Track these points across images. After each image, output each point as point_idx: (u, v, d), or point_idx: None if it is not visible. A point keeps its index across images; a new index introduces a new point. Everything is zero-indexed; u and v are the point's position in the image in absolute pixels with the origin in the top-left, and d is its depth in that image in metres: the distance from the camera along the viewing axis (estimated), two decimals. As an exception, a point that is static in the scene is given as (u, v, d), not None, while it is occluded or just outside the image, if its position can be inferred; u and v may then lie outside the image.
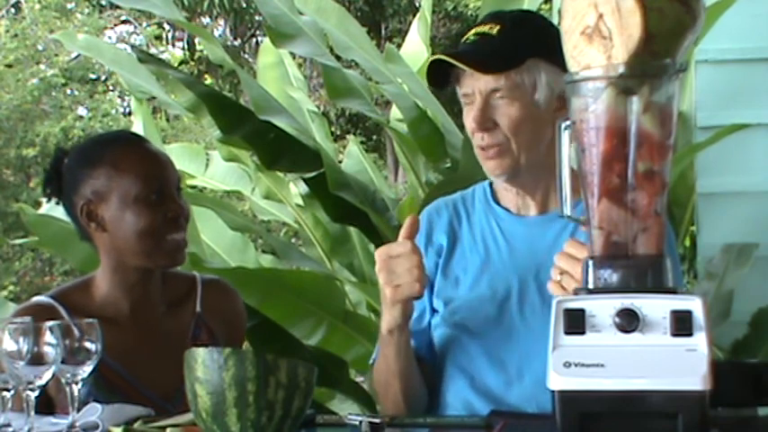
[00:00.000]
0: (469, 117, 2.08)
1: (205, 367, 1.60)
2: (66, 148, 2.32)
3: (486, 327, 2.08)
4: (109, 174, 2.17)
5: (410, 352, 2.08)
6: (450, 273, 2.15)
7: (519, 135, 2.05)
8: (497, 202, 2.17)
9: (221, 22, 15.56)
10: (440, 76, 2.11)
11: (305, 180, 4.07)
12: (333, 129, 9.75)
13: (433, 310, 2.16)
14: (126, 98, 13.63)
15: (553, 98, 2.05)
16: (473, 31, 2.10)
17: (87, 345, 1.73)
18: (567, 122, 1.65)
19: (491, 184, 2.20)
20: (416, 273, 1.94)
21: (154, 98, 4.79)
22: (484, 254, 2.14)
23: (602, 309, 1.52)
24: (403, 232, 1.96)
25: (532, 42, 2.06)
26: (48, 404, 2.08)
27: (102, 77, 14.27)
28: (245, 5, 14.56)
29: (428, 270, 2.15)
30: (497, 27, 2.07)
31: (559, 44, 2.00)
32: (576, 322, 1.53)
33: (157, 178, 2.18)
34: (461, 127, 2.17)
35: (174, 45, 15.74)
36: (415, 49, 4.91)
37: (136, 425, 1.84)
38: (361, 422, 1.77)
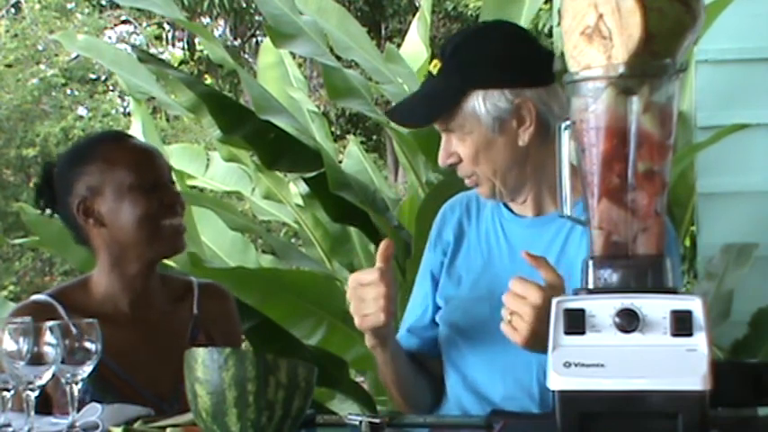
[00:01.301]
0: None
1: (205, 367, 1.60)
2: (51, 160, 2.35)
3: (479, 326, 2.09)
4: (101, 168, 2.19)
5: (399, 363, 2.12)
6: (454, 271, 2.17)
7: (481, 166, 2.06)
8: (504, 203, 2.18)
9: (221, 22, 15.56)
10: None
11: (305, 180, 4.06)
12: (333, 129, 9.74)
13: (438, 308, 2.18)
14: (126, 98, 13.61)
15: (507, 118, 2.03)
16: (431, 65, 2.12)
17: (87, 344, 1.73)
18: (567, 122, 1.65)
19: None
20: (382, 303, 1.95)
21: (154, 98, 4.79)
22: (486, 253, 2.15)
23: (602, 309, 1.52)
24: (377, 258, 1.98)
25: (464, 78, 2.04)
26: (45, 403, 2.07)
27: (102, 77, 14.26)
28: (245, 5, 14.56)
29: (434, 267, 2.17)
30: (439, 65, 2.08)
31: (500, 65, 2.02)
32: (575, 322, 1.53)
33: (150, 168, 2.21)
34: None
35: (174, 45, 15.74)
36: (415, 49, 4.90)
37: (136, 425, 1.84)
38: (361, 422, 1.77)
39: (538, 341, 1.72)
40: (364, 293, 1.97)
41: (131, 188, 2.17)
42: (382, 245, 1.99)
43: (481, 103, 2.02)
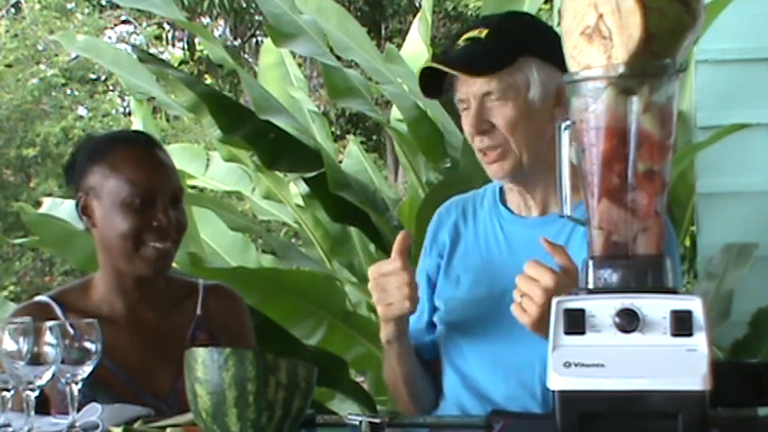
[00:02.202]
0: (467, 122, 2.09)
1: (205, 367, 1.60)
2: (94, 134, 2.28)
3: (479, 326, 2.10)
4: (104, 172, 2.16)
5: (412, 358, 2.12)
6: (452, 272, 2.17)
7: (517, 134, 2.04)
8: (504, 203, 2.18)
9: (221, 22, 15.56)
10: (433, 85, 2.11)
11: (305, 180, 4.07)
12: (333, 129, 9.73)
13: (436, 309, 2.18)
14: (126, 98, 13.62)
15: (549, 95, 2.05)
16: (463, 37, 2.09)
17: (86, 345, 1.73)
18: (567, 122, 1.65)
19: (501, 185, 2.20)
20: (406, 291, 1.97)
21: (154, 98, 4.79)
22: (485, 254, 2.14)
23: (602, 309, 1.52)
24: (394, 249, 1.99)
25: (522, 41, 2.05)
26: (44, 403, 2.07)
27: (102, 77, 14.27)
28: (245, 5, 14.56)
29: (430, 270, 2.17)
30: (486, 31, 2.06)
31: (551, 41, 2.01)
32: (575, 322, 1.53)
33: (147, 186, 2.14)
34: (461, 127, 2.17)
35: (174, 45, 15.74)
36: (416, 49, 4.90)
37: (136, 425, 1.84)
38: (361, 422, 1.77)
39: (545, 325, 1.72)
40: (386, 283, 1.98)
41: (123, 203, 2.13)
42: (399, 236, 2.00)
43: (534, 71, 2.03)
